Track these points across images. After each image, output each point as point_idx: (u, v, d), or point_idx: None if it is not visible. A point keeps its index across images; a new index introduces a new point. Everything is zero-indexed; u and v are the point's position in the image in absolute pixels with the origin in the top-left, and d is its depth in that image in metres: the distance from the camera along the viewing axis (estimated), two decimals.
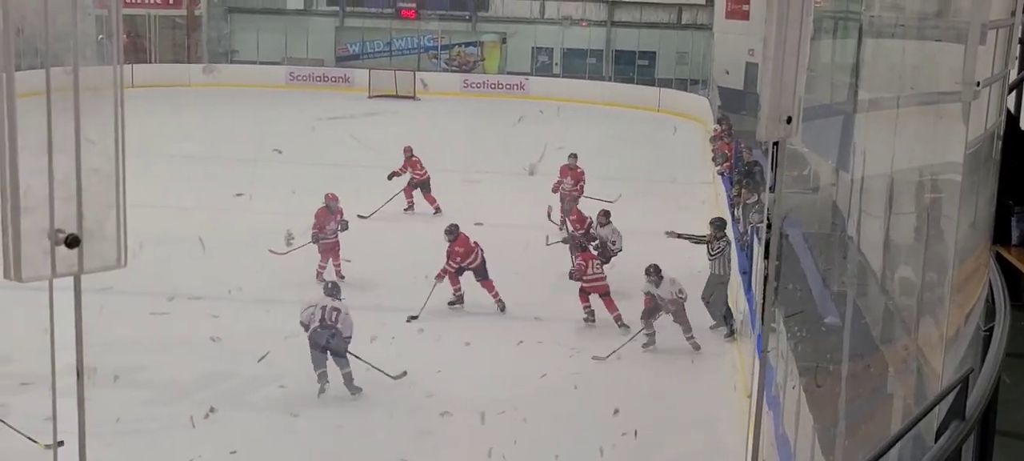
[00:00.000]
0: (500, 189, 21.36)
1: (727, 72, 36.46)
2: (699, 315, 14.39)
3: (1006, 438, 7.01)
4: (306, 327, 12.45)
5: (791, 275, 9.85)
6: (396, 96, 38.77)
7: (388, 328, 13.84)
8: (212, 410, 10.98)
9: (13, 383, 11.45)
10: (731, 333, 14.47)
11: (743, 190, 17.33)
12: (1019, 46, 10.77)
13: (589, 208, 17.94)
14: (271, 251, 15.79)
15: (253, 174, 19.47)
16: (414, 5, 43.26)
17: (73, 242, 2.90)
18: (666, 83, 39.86)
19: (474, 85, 41.45)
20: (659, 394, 12.62)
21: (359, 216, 18.09)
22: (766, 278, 5.05)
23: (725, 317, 14.61)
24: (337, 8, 44.00)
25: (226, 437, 10.73)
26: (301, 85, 40.87)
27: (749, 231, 15.86)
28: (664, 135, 33.83)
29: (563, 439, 11.15)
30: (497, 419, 11.07)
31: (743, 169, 19.42)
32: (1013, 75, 11.04)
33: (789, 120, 4.59)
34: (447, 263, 14.90)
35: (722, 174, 22.34)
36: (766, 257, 4.87)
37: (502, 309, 14.86)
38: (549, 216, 17.29)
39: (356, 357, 12.27)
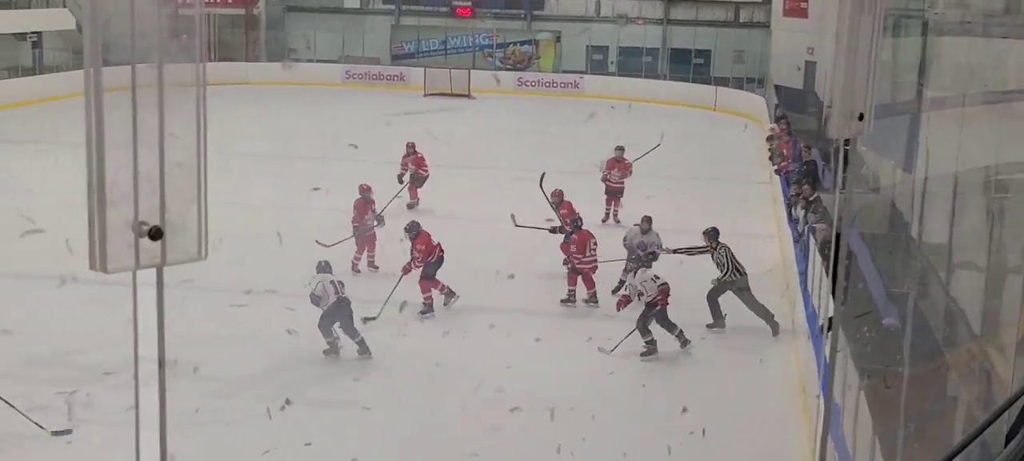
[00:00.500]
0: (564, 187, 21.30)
1: (800, 69, 36.16)
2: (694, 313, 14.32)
3: None
4: (319, 300, 13.04)
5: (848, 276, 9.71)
6: (451, 94, 38.93)
7: (460, 323, 14.06)
8: (288, 402, 11.11)
9: (96, 372, 11.75)
10: (776, 330, 14.41)
11: (803, 189, 17.17)
12: None
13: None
14: (318, 242, 15.92)
15: (323, 170, 19.61)
16: (470, 3, 43.37)
17: (156, 234, 2.95)
18: (722, 82, 39.59)
19: (529, 83, 41.46)
20: (727, 393, 12.56)
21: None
22: (835, 278, 5.00)
23: (767, 317, 14.48)
24: (393, 7, 44.21)
25: (301, 429, 10.83)
26: (357, 83, 41.20)
27: (806, 232, 15.75)
28: (720, 134, 33.71)
29: (631, 437, 11.15)
30: (566, 416, 11.05)
31: (802, 169, 19.26)
32: None
33: (861, 117, 4.54)
34: (412, 262, 14.83)
35: (779, 173, 22.18)
36: (836, 257, 4.84)
37: (424, 311, 14.75)
38: (514, 221, 16.91)
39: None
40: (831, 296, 10.80)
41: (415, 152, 20.65)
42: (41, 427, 10.04)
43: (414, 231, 14.79)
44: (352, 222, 16.71)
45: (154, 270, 3.06)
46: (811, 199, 16.40)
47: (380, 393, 12.09)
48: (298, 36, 44.27)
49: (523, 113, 35.76)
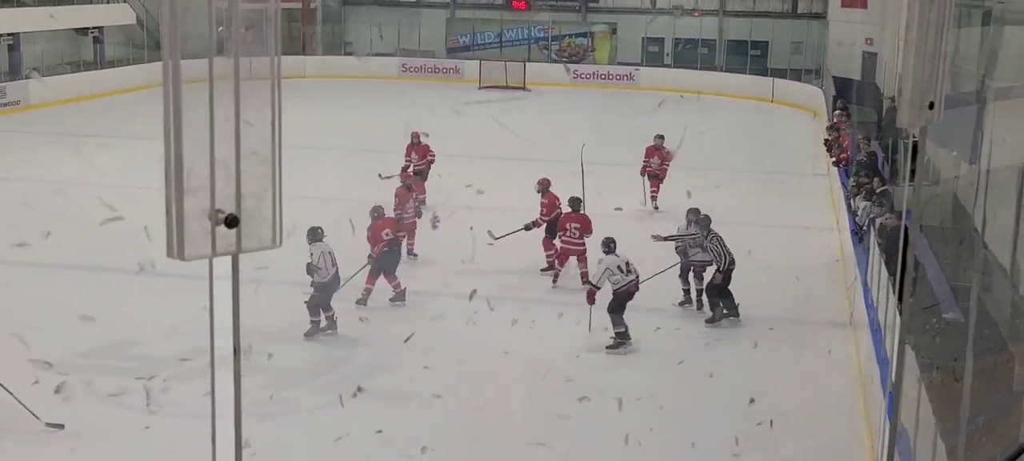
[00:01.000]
0: (628, 178, 21.32)
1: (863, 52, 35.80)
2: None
3: None
4: (316, 271, 13.13)
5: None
6: (506, 87, 38.99)
7: (529, 312, 14.04)
8: (360, 390, 11.22)
9: (173, 360, 12.00)
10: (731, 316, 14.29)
11: (864, 181, 16.97)
12: None
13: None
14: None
15: (397, 161, 19.72)
16: None
17: (232, 222, 2.98)
18: (780, 73, 39.27)
19: (584, 76, 41.41)
20: (794, 384, 12.49)
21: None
22: (904, 270, 4.95)
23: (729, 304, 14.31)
24: (449, 0, 44.34)
25: (372, 417, 10.92)
26: (413, 76, 41.39)
27: (867, 224, 15.59)
28: (777, 125, 33.50)
29: (698, 427, 11.12)
30: (634, 405, 11.06)
31: (864, 161, 19.04)
32: None
33: (931, 106, 4.49)
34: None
35: (838, 165, 21.98)
36: (905, 250, 4.78)
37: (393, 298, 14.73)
38: (491, 237, 16.89)
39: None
40: (891, 289, 10.72)
41: (419, 142, 20.37)
42: (37, 417, 10.16)
43: (375, 215, 14.72)
44: (394, 209, 16.87)
45: (229, 259, 3.10)
46: (879, 191, 16.19)
47: (449, 381, 12.14)
48: (355, 30, 44.57)
49: (586, 105, 35.76)
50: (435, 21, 44.26)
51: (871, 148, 20.17)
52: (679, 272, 14.95)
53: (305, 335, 13.31)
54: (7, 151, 25.29)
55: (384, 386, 11.91)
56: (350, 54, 42.95)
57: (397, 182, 17.39)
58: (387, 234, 14.61)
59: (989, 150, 12.71)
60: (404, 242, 16.58)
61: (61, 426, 10.34)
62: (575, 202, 16.18)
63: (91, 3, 37.17)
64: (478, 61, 41.27)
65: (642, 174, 20.72)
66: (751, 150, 28.01)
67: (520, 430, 11.13)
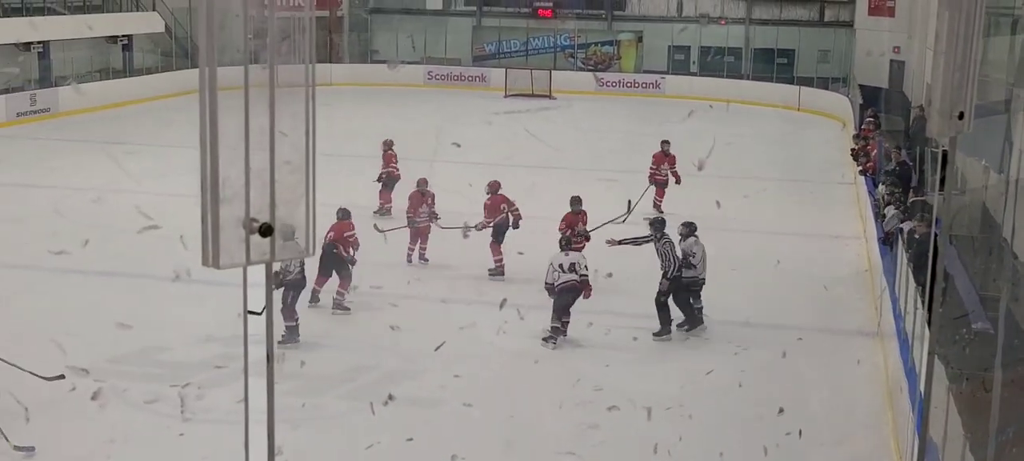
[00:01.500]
0: (669, 187, 21.36)
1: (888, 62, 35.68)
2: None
3: None
4: (284, 271, 12.74)
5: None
6: (532, 95, 39.03)
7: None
8: (391, 398, 11.21)
9: (207, 366, 12.20)
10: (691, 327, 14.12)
11: (895, 191, 16.87)
12: None
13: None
14: (375, 227, 16.55)
15: (428, 169, 19.80)
16: (551, 4, 43.42)
17: (267, 231, 3.02)
18: (806, 81, 39.14)
19: (610, 84, 41.41)
20: (824, 394, 12.46)
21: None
22: (933, 280, 4.94)
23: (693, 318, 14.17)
24: (475, 8, 44.43)
25: (403, 424, 10.98)
26: (439, 84, 41.50)
27: (895, 233, 15.52)
28: (804, 134, 33.40)
29: (728, 437, 11.14)
30: (663, 415, 11.09)
31: (896, 170, 18.93)
32: None
33: (961, 116, 4.48)
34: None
35: (864, 174, 21.88)
36: (934, 259, 4.78)
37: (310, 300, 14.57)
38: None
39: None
40: (919, 299, 10.67)
41: (390, 150, 20.20)
42: (6, 439, 10.18)
43: (340, 216, 14.54)
44: (407, 213, 16.94)
45: (263, 267, 3.14)
46: (912, 202, 16.11)
47: (480, 390, 12.19)
48: (381, 38, 44.74)
49: (613, 113, 35.75)
50: (461, 29, 44.37)
51: (903, 158, 20.07)
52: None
53: (278, 342, 13.20)
54: (40, 159, 25.51)
55: (415, 394, 11.94)
56: (379, 62, 43.11)
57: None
58: (329, 236, 14.17)
59: (1018, 159, 12.63)
60: (418, 245, 16.78)
61: (31, 449, 10.18)
62: (576, 201, 16.25)
63: (121, 11, 37.46)
64: (504, 69, 41.34)
65: (650, 182, 20.82)
66: (778, 159, 27.95)
67: (550, 439, 11.14)
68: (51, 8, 33.96)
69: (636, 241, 14.75)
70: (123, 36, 36.88)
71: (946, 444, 8.72)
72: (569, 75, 41.45)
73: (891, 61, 36.51)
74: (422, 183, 17.12)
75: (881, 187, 18.03)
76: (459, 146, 21.12)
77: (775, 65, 40.95)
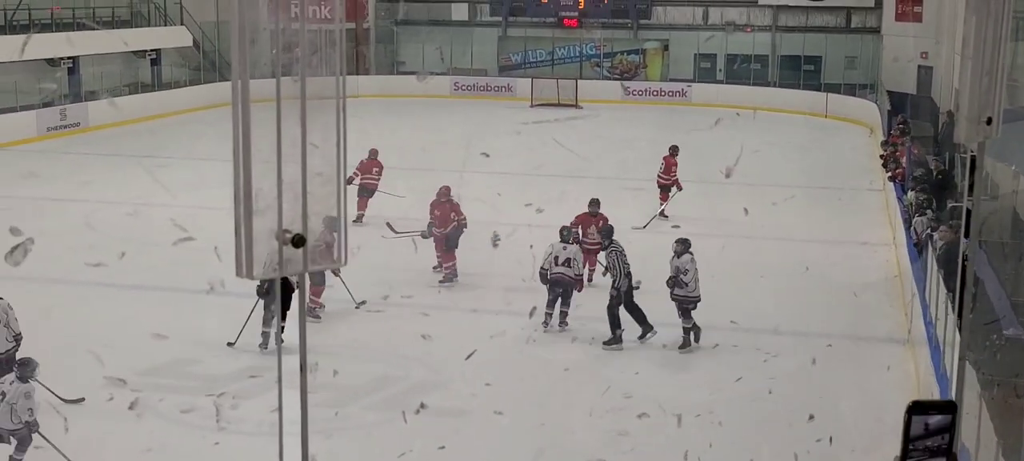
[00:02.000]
0: (695, 194, 21.42)
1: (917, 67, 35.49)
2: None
3: None
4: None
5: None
6: (558, 104, 39.03)
7: (589, 329, 14.23)
8: (423, 406, 11.31)
9: (242, 375, 12.32)
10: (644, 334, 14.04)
11: (925, 197, 16.76)
12: None
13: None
14: (388, 224, 16.87)
15: (441, 179, 19.87)
16: (576, 14, 43.44)
17: (299, 242, 3.05)
18: (833, 88, 38.99)
19: (636, 93, 41.37)
20: (854, 400, 12.39)
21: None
22: (963, 286, 4.92)
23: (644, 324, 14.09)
24: (500, 19, 44.51)
25: (435, 433, 11.04)
26: (465, 95, 41.59)
27: (924, 239, 15.44)
28: (831, 141, 33.27)
29: (758, 444, 11.16)
30: (693, 422, 11.11)
31: (935, 180, 18.78)
32: None
33: (989, 121, 4.47)
34: None
35: (893, 181, 21.78)
36: (963, 266, 4.76)
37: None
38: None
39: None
40: (950, 305, 10.62)
41: (374, 158, 20.01)
42: (59, 397, 10.43)
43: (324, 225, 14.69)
44: (435, 225, 16.99)
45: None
46: (944, 208, 16.02)
47: (511, 398, 12.26)
48: (407, 49, 44.88)
49: (640, 122, 35.72)
50: (487, 40, 44.45)
51: (942, 166, 19.88)
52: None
53: (261, 348, 13.36)
54: (72, 173, 25.67)
55: (446, 403, 11.98)
56: (405, 73, 43.24)
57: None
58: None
59: None
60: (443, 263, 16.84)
61: (81, 400, 10.48)
62: (593, 204, 16.40)
63: (149, 25, 37.77)
64: (530, 79, 41.38)
65: (659, 186, 21.14)
66: (806, 166, 27.86)
67: (581, 447, 11.18)
68: (81, 23, 34.26)
69: (581, 245, 14.91)
70: (152, 50, 37.18)
71: (979, 450, 8.67)
72: (595, 84, 41.46)
73: (919, 67, 36.32)
74: (443, 192, 17.16)
75: (911, 194, 17.93)
76: (488, 156, 21.17)
77: (801, 72, 40.81)
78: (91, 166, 26.69)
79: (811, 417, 11.01)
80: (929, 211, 16.18)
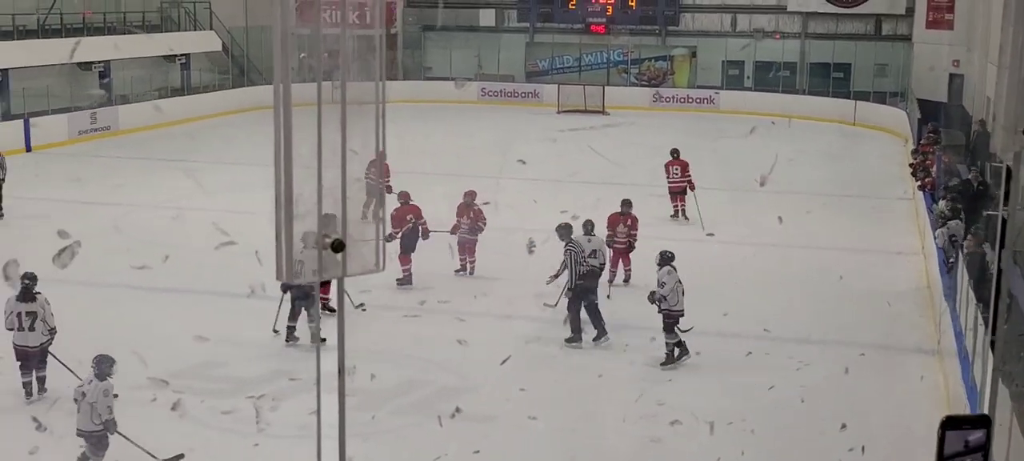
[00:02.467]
0: (727, 202, 21.50)
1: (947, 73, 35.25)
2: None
3: None
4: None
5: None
6: (585, 111, 39.01)
7: (622, 336, 14.29)
8: (458, 410, 11.38)
9: (281, 378, 12.48)
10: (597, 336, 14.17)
11: (955, 207, 16.62)
12: None
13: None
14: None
15: (495, 185, 19.98)
16: (604, 20, 43.42)
17: (338, 247, 3.08)
18: (863, 96, 38.79)
19: (664, 99, 41.32)
20: (886, 410, 12.38)
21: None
22: (997, 297, 4.90)
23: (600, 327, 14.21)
24: (528, 25, 44.55)
25: (470, 437, 11.17)
26: (493, 101, 41.63)
27: (952, 249, 15.34)
28: (861, 149, 33.09)
29: (789, 452, 11.18)
30: (725, 430, 11.14)
31: (975, 190, 18.61)
32: None
33: None
34: None
35: (923, 190, 21.64)
36: (999, 276, 4.74)
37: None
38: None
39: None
40: (979, 316, 10.55)
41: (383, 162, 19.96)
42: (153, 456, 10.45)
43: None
44: (459, 230, 17.09)
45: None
46: (979, 219, 15.89)
47: (545, 403, 12.28)
48: (434, 55, 44.98)
49: (669, 128, 35.66)
50: (515, 46, 44.48)
51: (983, 177, 19.70)
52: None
53: (285, 342, 13.67)
54: (105, 176, 25.72)
55: (480, 407, 12.04)
56: (432, 79, 43.31)
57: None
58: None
59: None
60: (467, 258, 17.04)
61: (181, 457, 10.58)
62: (625, 204, 16.67)
63: (179, 30, 38.00)
64: (557, 85, 41.39)
65: (672, 192, 21.36)
66: (836, 174, 27.75)
67: (613, 453, 11.24)
68: (112, 28, 34.49)
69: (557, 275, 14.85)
70: (181, 55, 37.43)
71: None
72: (622, 90, 41.44)
73: (950, 75, 36.09)
74: (469, 196, 17.21)
75: (941, 203, 17.81)
76: (525, 163, 21.29)
77: (831, 79, 40.62)
78: (123, 169, 26.85)
79: (843, 426, 11.00)
80: (953, 221, 16.06)
